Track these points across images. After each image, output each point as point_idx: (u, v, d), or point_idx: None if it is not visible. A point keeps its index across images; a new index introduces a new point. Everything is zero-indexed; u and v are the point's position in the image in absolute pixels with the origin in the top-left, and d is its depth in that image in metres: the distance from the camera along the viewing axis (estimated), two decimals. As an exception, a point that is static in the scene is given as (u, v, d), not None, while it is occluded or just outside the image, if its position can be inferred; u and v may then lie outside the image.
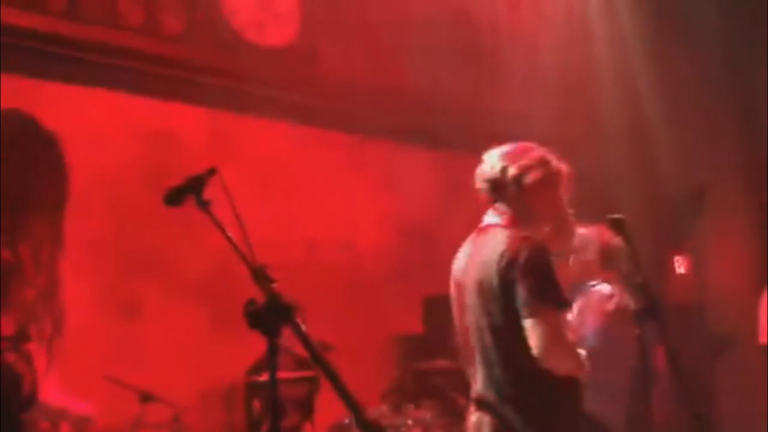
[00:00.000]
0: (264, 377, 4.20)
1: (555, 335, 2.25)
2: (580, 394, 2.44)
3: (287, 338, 1.75)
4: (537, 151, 2.57)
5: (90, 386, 4.03)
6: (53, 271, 2.41)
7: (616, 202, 6.11)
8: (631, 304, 3.12)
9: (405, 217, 6.02)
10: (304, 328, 1.66)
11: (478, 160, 2.66)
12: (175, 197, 1.93)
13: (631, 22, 6.51)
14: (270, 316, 1.64)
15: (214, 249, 1.89)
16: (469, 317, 2.45)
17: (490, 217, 2.52)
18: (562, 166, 2.59)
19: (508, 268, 2.29)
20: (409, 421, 4.47)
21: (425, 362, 5.00)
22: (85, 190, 4.99)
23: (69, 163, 4.93)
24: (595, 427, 3.18)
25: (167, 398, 4.33)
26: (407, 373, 5.41)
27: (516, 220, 2.45)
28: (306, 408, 4.63)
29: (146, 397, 4.29)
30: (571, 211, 2.56)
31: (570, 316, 3.12)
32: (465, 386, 2.60)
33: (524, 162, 2.50)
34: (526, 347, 2.26)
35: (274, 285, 1.68)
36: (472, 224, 2.67)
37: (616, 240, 3.26)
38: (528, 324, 2.25)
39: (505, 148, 2.57)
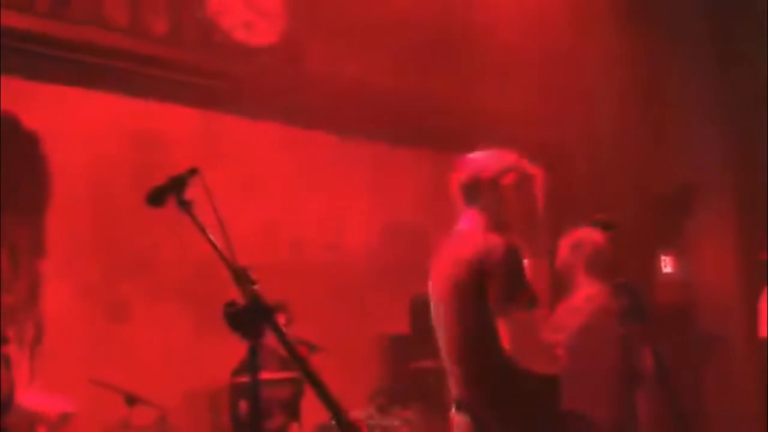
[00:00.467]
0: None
1: (527, 334, 2.28)
2: (556, 391, 2.46)
3: (272, 338, 1.74)
4: (511, 156, 2.60)
5: (75, 388, 4.01)
6: (34, 276, 2.39)
7: (604, 202, 6.14)
8: (615, 304, 3.13)
9: (391, 217, 6.02)
10: (285, 329, 1.65)
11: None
12: (157, 197, 1.91)
13: (617, 21, 6.53)
14: (250, 317, 1.63)
15: (200, 250, 1.87)
16: (445, 317, 2.49)
17: (465, 221, 2.55)
18: (536, 170, 2.61)
19: (479, 268, 2.34)
20: (397, 422, 4.47)
21: (412, 362, 5.00)
22: (70, 190, 4.99)
23: (53, 163, 4.92)
24: (579, 427, 3.19)
25: (153, 400, 4.31)
26: (394, 374, 5.42)
27: (490, 223, 2.48)
28: (292, 408, 4.61)
29: (132, 399, 4.27)
30: (542, 214, 2.59)
31: (550, 316, 3.14)
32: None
33: (499, 165, 2.54)
34: (499, 346, 2.30)
35: (255, 286, 1.67)
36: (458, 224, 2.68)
37: (602, 240, 3.28)
38: (500, 323, 2.29)
39: (479, 153, 2.61)
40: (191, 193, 1.93)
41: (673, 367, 2.93)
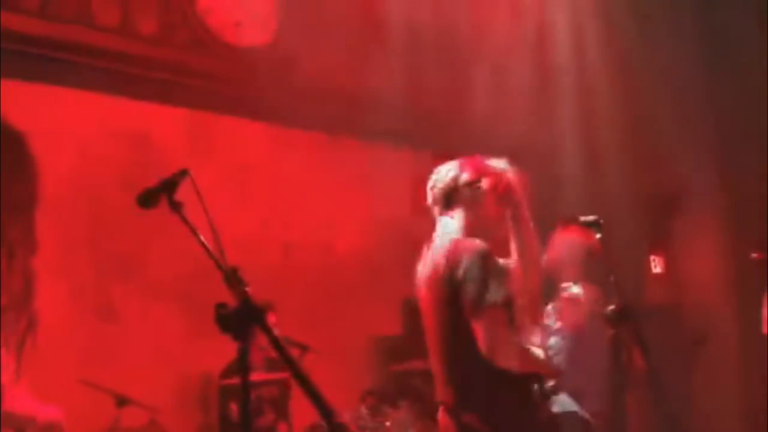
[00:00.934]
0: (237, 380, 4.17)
1: (501, 334, 2.34)
2: (533, 390, 2.51)
3: (263, 339, 1.74)
4: (489, 162, 2.67)
5: (66, 390, 3.99)
6: (28, 276, 2.38)
7: (594, 202, 6.16)
8: (605, 305, 3.14)
9: (383, 218, 6.02)
10: (276, 331, 1.65)
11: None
12: (148, 199, 1.91)
13: (607, 22, 6.56)
14: (241, 319, 1.63)
15: (191, 250, 1.87)
16: (427, 321, 2.56)
17: (443, 226, 2.61)
18: (513, 175, 2.67)
19: (453, 272, 2.40)
20: (388, 423, 4.47)
21: (404, 363, 5.01)
22: (60, 191, 4.97)
23: (41, 164, 4.89)
24: (571, 425, 3.20)
25: (143, 401, 4.30)
26: (386, 375, 5.42)
27: (469, 228, 2.54)
28: (281, 408, 4.61)
29: (122, 401, 4.25)
30: (529, 217, 2.63)
31: (540, 317, 3.16)
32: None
33: (477, 170, 2.61)
34: (476, 349, 2.35)
35: (247, 288, 1.67)
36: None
37: (590, 241, 3.29)
38: (475, 325, 2.35)
39: (456, 160, 2.67)
40: (182, 194, 1.93)
41: (662, 367, 2.94)
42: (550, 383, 2.52)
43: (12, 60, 4.51)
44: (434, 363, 2.56)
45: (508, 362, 2.37)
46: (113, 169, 5.14)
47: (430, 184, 2.67)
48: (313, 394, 1.53)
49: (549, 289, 3.43)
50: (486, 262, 2.39)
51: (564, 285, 3.43)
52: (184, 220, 1.81)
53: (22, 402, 3.53)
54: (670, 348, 5.96)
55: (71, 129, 5.04)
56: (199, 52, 5.04)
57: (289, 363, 1.59)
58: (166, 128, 5.40)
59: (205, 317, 1.91)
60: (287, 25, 5.38)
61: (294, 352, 4.10)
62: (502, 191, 2.59)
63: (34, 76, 4.69)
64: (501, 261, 2.50)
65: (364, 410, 4.54)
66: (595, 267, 3.42)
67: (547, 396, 2.53)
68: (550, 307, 3.45)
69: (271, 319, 3.82)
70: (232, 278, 1.69)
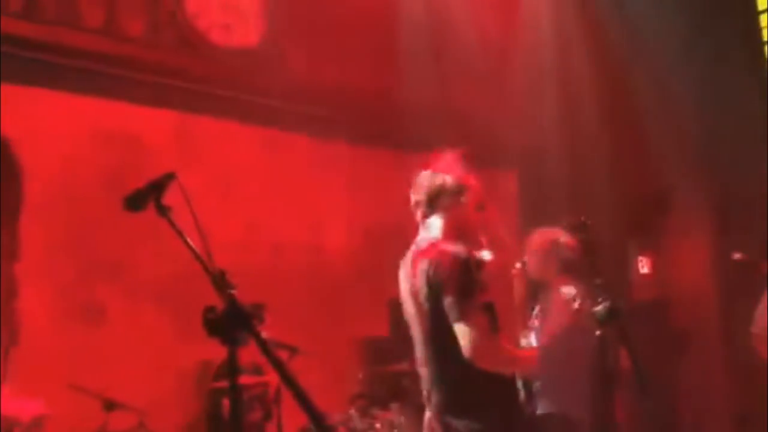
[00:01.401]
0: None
1: (481, 336, 2.39)
2: (515, 389, 2.58)
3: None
4: (468, 168, 2.72)
5: (52, 393, 3.96)
6: (10, 280, 2.36)
7: (581, 203, 6.19)
8: (592, 305, 3.15)
9: (370, 219, 6.02)
10: (264, 334, 1.65)
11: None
12: (134, 202, 1.90)
13: (594, 23, 6.59)
14: (229, 323, 1.63)
15: (177, 252, 1.86)
16: (412, 324, 2.62)
17: (426, 230, 2.65)
18: (472, 179, 2.72)
19: (435, 277, 2.46)
20: (377, 424, 4.47)
21: (392, 365, 5.00)
22: (45, 194, 4.93)
23: (26, 166, 4.84)
24: (558, 426, 3.21)
25: (131, 404, 4.27)
26: (374, 376, 5.41)
27: (450, 232, 2.60)
28: (269, 407, 4.61)
29: (110, 405, 4.22)
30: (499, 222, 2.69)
31: (527, 319, 3.19)
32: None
33: (460, 176, 2.66)
34: (458, 350, 2.40)
35: (234, 291, 1.67)
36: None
37: (575, 242, 3.31)
38: (456, 328, 2.40)
39: (439, 163, 2.71)
40: (168, 196, 1.92)
41: (649, 366, 2.96)
42: (537, 384, 2.55)
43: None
44: (420, 366, 2.61)
45: (490, 364, 2.43)
46: (99, 171, 5.11)
47: (414, 187, 2.71)
48: (301, 397, 1.53)
49: (535, 291, 3.44)
50: (467, 267, 2.45)
51: (550, 286, 3.44)
52: (172, 224, 1.80)
53: (6, 403, 3.50)
54: (656, 347, 5.99)
55: (57, 131, 5.01)
56: (186, 53, 5.02)
57: (277, 366, 1.58)
58: (153, 130, 5.38)
59: (192, 319, 1.90)
60: (275, 27, 5.36)
61: (283, 355, 4.11)
62: (482, 197, 2.66)
63: (19, 79, 4.66)
64: (480, 262, 2.55)
65: (353, 412, 4.53)
66: (579, 267, 3.43)
67: (533, 397, 2.56)
68: (536, 309, 3.46)
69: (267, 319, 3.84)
70: (220, 281, 1.68)
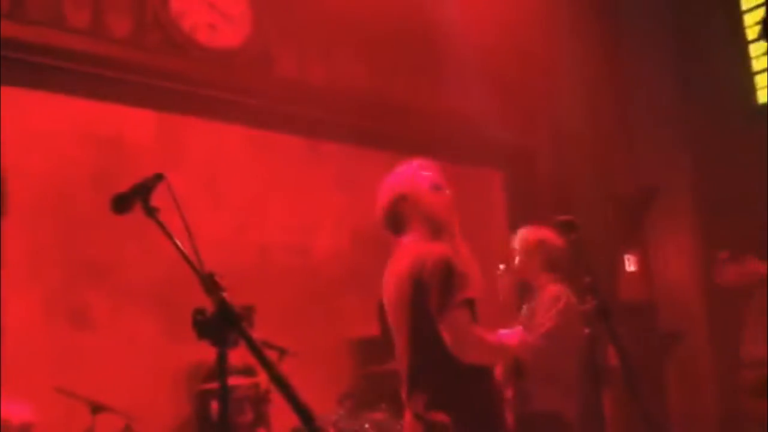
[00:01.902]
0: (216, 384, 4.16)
1: (465, 331, 2.44)
2: (496, 383, 2.64)
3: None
4: (427, 169, 2.76)
5: (39, 397, 3.93)
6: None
7: (568, 202, 6.21)
8: (580, 303, 3.16)
9: (360, 219, 6.01)
10: (253, 336, 1.64)
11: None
12: (122, 204, 1.88)
13: (582, 23, 6.62)
14: (219, 325, 1.62)
15: (166, 254, 1.85)
16: (395, 324, 2.67)
17: (407, 237, 2.70)
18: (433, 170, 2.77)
19: (416, 279, 2.51)
20: (366, 425, 4.46)
21: (381, 365, 5.00)
22: (30, 196, 4.89)
23: (11, 168, 4.79)
24: (548, 425, 3.22)
25: (118, 407, 4.25)
26: (364, 377, 5.41)
27: (429, 233, 2.65)
28: (259, 409, 4.60)
29: (97, 408, 4.20)
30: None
31: (516, 318, 3.20)
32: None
33: (403, 183, 2.71)
34: (441, 346, 2.44)
35: (224, 293, 1.66)
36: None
37: (562, 241, 3.32)
38: (440, 325, 2.44)
39: (395, 176, 2.76)
40: (155, 197, 1.91)
41: (637, 365, 2.97)
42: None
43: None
44: (401, 366, 2.64)
45: (475, 357, 2.47)
46: (85, 172, 5.08)
47: (378, 208, 2.76)
48: (292, 398, 1.53)
49: (522, 290, 3.45)
50: (450, 264, 2.48)
51: (537, 285, 3.45)
52: (161, 225, 1.79)
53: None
54: (644, 346, 6.03)
55: (42, 132, 4.98)
56: (171, 53, 4.98)
57: (267, 368, 1.58)
58: (138, 131, 5.35)
59: (180, 321, 1.89)
60: (261, 27, 5.35)
61: (272, 356, 4.10)
62: (436, 180, 2.71)
63: (3, 79, 4.62)
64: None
65: (342, 412, 4.52)
66: (566, 266, 3.44)
67: (525, 395, 2.57)
68: (524, 308, 3.47)
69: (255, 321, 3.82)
70: (209, 284, 1.67)
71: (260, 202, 5.77)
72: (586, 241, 2.88)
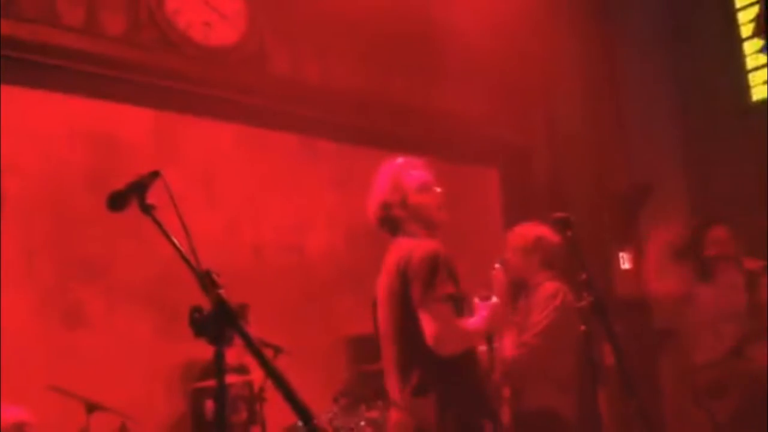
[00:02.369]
0: (211, 382, 4.16)
1: (445, 325, 2.46)
2: (479, 372, 2.67)
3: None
4: (413, 167, 2.80)
5: (33, 396, 3.92)
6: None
7: (563, 200, 6.22)
8: (575, 300, 3.17)
9: (354, 218, 6.01)
10: (251, 333, 1.64)
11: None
12: (118, 201, 1.87)
13: (576, 22, 6.62)
14: (216, 323, 1.62)
15: (160, 253, 1.85)
16: (383, 319, 2.72)
17: (403, 237, 2.72)
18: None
19: (403, 274, 2.54)
20: (362, 422, 4.46)
21: (377, 363, 4.99)
22: (25, 194, 4.88)
23: (5, 166, 4.78)
24: (544, 422, 3.22)
25: (114, 407, 4.24)
26: (358, 374, 5.41)
27: (422, 234, 2.68)
28: (253, 407, 4.60)
29: (92, 407, 4.19)
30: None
31: (512, 315, 3.20)
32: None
33: (405, 185, 2.73)
34: (425, 344, 2.47)
35: (221, 291, 1.65)
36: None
37: (557, 238, 3.32)
38: (420, 316, 2.48)
39: (381, 180, 2.81)
40: (151, 195, 1.90)
41: (632, 363, 2.98)
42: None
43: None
44: (387, 362, 2.67)
45: (454, 348, 2.49)
46: (79, 170, 5.07)
47: (369, 213, 2.80)
48: (289, 395, 1.53)
49: (517, 288, 3.45)
50: (435, 259, 2.51)
51: (533, 283, 3.45)
52: (157, 223, 1.79)
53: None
54: (639, 343, 6.04)
55: (36, 130, 4.96)
56: (166, 51, 4.97)
57: (265, 366, 1.58)
58: (133, 129, 5.34)
59: (174, 320, 1.89)
60: (256, 25, 5.34)
61: (268, 354, 4.09)
62: (425, 181, 2.74)
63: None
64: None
65: (337, 410, 4.52)
66: (562, 263, 3.45)
67: (520, 394, 2.57)
68: (520, 304, 3.47)
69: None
70: (206, 281, 1.67)
71: (255, 200, 5.77)
72: (581, 238, 2.89)
